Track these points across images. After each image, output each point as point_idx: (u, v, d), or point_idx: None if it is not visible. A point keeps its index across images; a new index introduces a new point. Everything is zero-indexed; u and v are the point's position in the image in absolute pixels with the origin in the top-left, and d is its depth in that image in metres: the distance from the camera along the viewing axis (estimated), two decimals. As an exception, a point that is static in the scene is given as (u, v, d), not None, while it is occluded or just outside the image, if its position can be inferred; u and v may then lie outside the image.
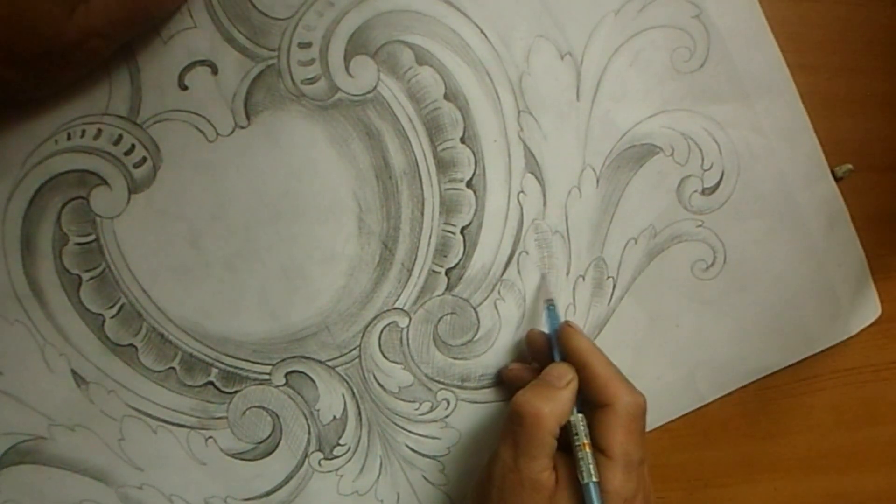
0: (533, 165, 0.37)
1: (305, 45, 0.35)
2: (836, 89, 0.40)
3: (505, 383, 0.38)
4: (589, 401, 0.33)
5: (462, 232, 0.37)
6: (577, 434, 0.32)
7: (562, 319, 0.37)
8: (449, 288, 0.37)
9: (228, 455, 0.37)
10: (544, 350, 0.36)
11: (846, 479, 0.43)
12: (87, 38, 0.29)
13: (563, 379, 0.33)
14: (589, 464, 0.31)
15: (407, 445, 0.38)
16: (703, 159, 0.38)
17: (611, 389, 0.33)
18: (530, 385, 0.33)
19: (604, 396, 0.33)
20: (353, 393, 0.38)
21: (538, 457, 0.31)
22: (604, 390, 0.33)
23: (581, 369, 0.34)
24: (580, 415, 0.33)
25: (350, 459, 0.38)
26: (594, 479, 0.31)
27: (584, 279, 0.38)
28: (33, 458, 0.36)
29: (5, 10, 0.28)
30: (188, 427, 0.37)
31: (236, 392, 0.37)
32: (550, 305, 0.37)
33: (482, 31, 0.36)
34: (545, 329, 0.37)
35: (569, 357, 0.34)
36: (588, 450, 0.32)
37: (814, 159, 0.39)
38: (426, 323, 0.38)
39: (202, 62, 0.34)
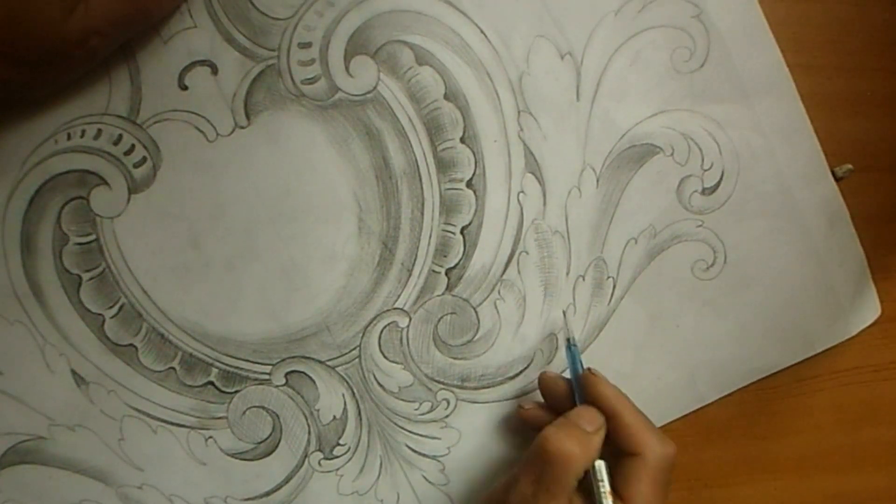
0: (533, 165, 0.37)
1: (305, 45, 0.35)
2: (836, 89, 0.40)
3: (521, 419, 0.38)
4: (615, 448, 0.33)
5: (462, 232, 0.37)
6: (601, 481, 0.32)
7: (582, 362, 0.37)
8: (449, 288, 0.37)
9: (228, 455, 0.37)
10: (562, 394, 0.36)
11: (846, 479, 0.43)
12: (87, 37, 0.29)
13: (594, 424, 0.33)
14: None
15: (407, 445, 0.38)
16: (703, 159, 0.38)
17: (641, 439, 0.33)
18: (560, 424, 0.33)
19: (633, 445, 0.33)
20: (353, 393, 0.38)
21: (559, 496, 0.31)
22: (634, 439, 0.33)
23: (609, 417, 0.33)
24: (602, 461, 0.33)
25: (350, 459, 0.38)
26: None
27: (584, 279, 0.38)
28: (33, 458, 0.36)
29: (5, 10, 0.28)
30: (188, 427, 0.37)
31: (236, 392, 0.37)
32: (573, 345, 0.37)
33: (482, 31, 0.36)
34: (565, 367, 0.36)
35: (595, 404, 0.34)
36: (610, 498, 0.32)
37: (814, 159, 0.39)
38: (426, 323, 0.38)
39: (202, 62, 0.34)
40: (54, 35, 0.29)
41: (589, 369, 0.35)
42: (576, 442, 0.32)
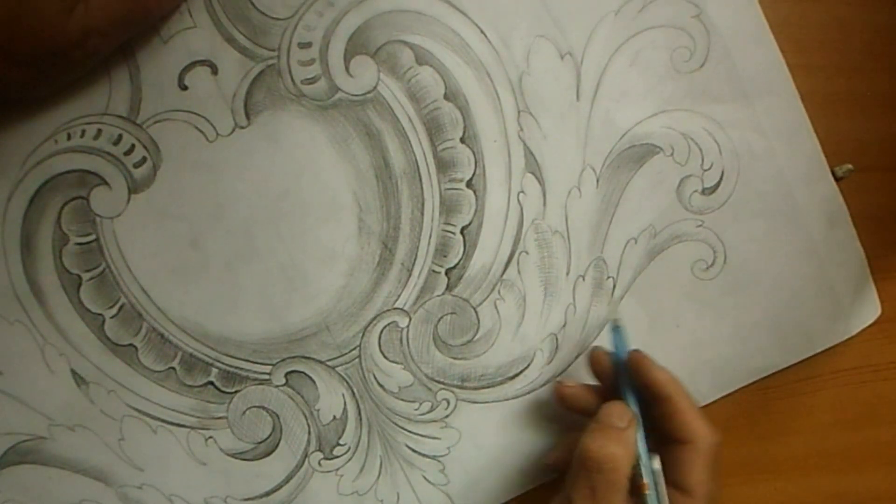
0: (533, 165, 0.37)
1: (305, 45, 0.35)
2: (836, 89, 0.40)
3: (556, 398, 0.37)
4: (665, 436, 0.33)
5: (462, 232, 0.37)
6: (658, 477, 0.32)
7: (627, 343, 0.36)
8: (449, 288, 0.37)
9: (228, 455, 0.37)
10: (608, 373, 0.35)
11: (846, 479, 0.43)
12: (87, 37, 0.29)
13: (625, 418, 0.32)
14: None
15: (407, 445, 0.38)
16: (703, 159, 0.38)
17: (693, 426, 0.32)
18: (595, 429, 0.32)
19: (685, 433, 0.32)
20: (353, 393, 0.38)
21: (616, 501, 0.31)
22: (686, 427, 0.32)
23: (662, 402, 0.33)
24: (657, 456, 0.32)
25: (350, 459, 0.38)
26: None
27: (584, 279, 0.38)
28: (33, 458, 0.36)
29: (5, 10, 0.28)
30: (188, 427, 0.37)
31: (236, 392, 0.37)
32: (617, 326, 0.36)
33: (482, 31, 0.36)
34: (610, 348, 0.36)
35: (647, 388, 0.34)
36: (652, 491, 0.32)
37: (814, 159, 0.39)
38: (426, 323, 0.38)
39: (202, 62, 0.34)
40: (54, 34, 0.29)
41: (638, 350, 0.35)
42: (616, 442, 0.31)
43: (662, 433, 0.33)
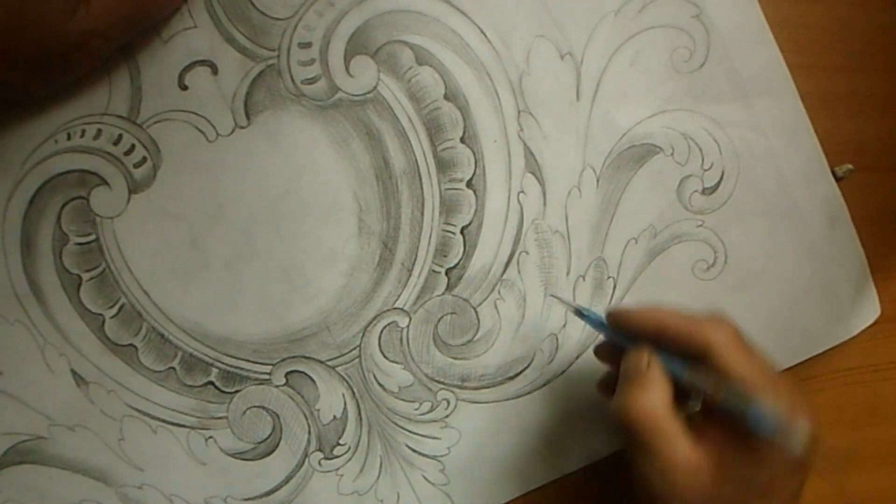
0: (533, 165, 0.37)
1: (305, 45, 0.35)
2: (836, 89, 0.40)
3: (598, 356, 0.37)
4: (689, 357, 0.31)
5: (462, 232, 0.37)
6: (706, 381, 0.30)
7: (599, 312, 0.35)
8: (449, 288, 0.37)
9: (228, 455, 0.37)
10: (619, 355, 0.34)
11: (846, 479, 0.43)
12: (89, 38, 0.30)
13: (642, 361, 0.31)
14: (735, 400, 0.29)
15: (407, 445, 0.38)
16: (703, 159, 0.38)
17: (698, 336, 0.30)
18: (620, 389, 0.31)
19: (696, 346, 0.30)
20: (353, 393, 0.38)
21: (679, 441, 0.29)
22: (692, 340, 0.30)
23: (660, 333, 0.31)
24: (687, 368, 0.31)
25: (350, 459, 0.38)
26: (752, 409, 0.28)
27: (584, 279, 0.38)
28: (33, 458, 0.36)
29: (6, 12, 0.28)
30: (188, 427, 0.37)
31: (236, 392, 0.37)
32: (578, 311, 0.35)
33: (482, 31, 0.36)
34: (595, 333, 0.36)
35: (640, 334, 0.32)
36: (696, 401, 0.30)
37: (814, 159, 0.39)
38: (426, 323, 0.38)
39: (202, 62, 0.34)
40: (55, 36, 0.29)
41: (608, 311, 0.34)
42: (641, 388, 0.30)
43: (688, 356, 0.31)
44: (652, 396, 0.30)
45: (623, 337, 0.33)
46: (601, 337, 0.38)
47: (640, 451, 0.30)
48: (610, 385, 0.35)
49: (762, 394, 0.29)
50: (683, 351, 0.31)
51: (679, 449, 0.30)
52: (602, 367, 0.37)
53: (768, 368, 0.31)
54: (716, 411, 0.30)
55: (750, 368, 0.30)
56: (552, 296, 0.38)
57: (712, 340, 0.30)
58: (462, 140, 0.37)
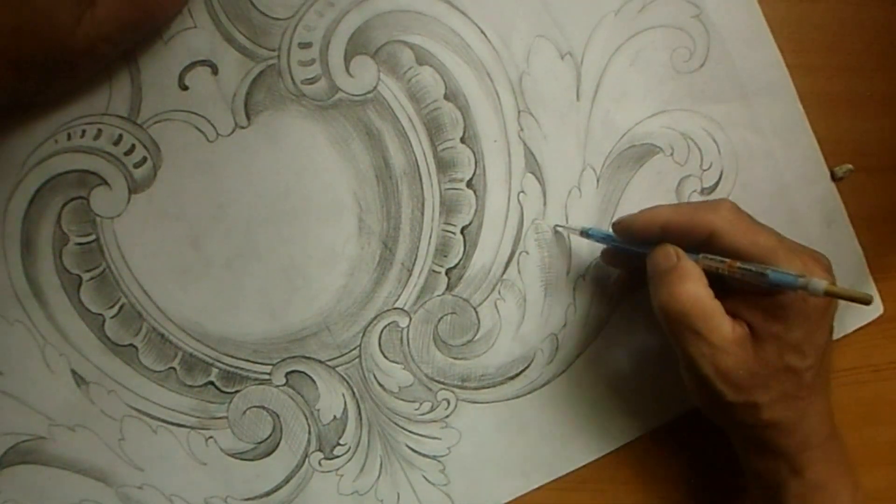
0: (533, 165, 0.37)
1: (306, 45, 0.35)
2: (836, 89, 0.40)
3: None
4: (697, 244, 0.32)
5: (462, 232, 0.37)
6: (720, 262, 0.31)
7: (605, 229, 0.36)
8: (449, 288, 0.37)
9: (229, 455, 0.37)
10: (624, 258, 0.36)
11: (846, 478, 0.43)
12: (95, 45, 0.30)
13: (671, 255, 0.32)
14: (755, 270, 0.30)
15: (407, 445, 0.38)
16: (702, 159, 0.38)
17: (701, 221, 0.32)
18: (658, 285, 0.32)
19: (701, 231, 0.32)
20: (354, 393, 0.38)
21: (724, 321, 0.31)
22: (696, 227, 0.32)
23: (666, 229, 0.33)
24: (706, 255, 0.32)
25: (350, 459, 0.38)
26: (770, 270, 0.30)
27: (584, 279, 0.38)
28: (33, 458, 0.36)
29: (16, 20, 0.28)
30: (188, 427, 0.37)
31: (236, 392, 0.37)
32: (588, 232, 0.36)
33: (482, 31, 0.36)
34: (604, 242, 0.36)
35: (647, 234, 0.33)
36: (738, 264, 0.31)
37: (811, 159, 0.39)
38: (426, 323, 0.38)
39: (202, 62, 0.34)
40: (64, 44, 0.29)
41: (613, 223, 0.35)
42: (685, 278, 0.31)
43: (700, 245, 0.32)
44: (693, 283, 0.31)
45: (633, 242, 0.34)
46: (597, 341, 0.38)
47: (691, 336, 0.31)
48: (624, 285, 0.38)
49: (773, 256, 0.31)
50: (690, 240, 0.32)
51: (724, 328, 0.31)
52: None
53: (773, 234, 0.33)
54: (736, 286, 0.32)
55: (756, 237, 0.32)
56: (556, 227, 0.38)
57: (714, 221, 0.32)
58: (462, 140, 0.37)
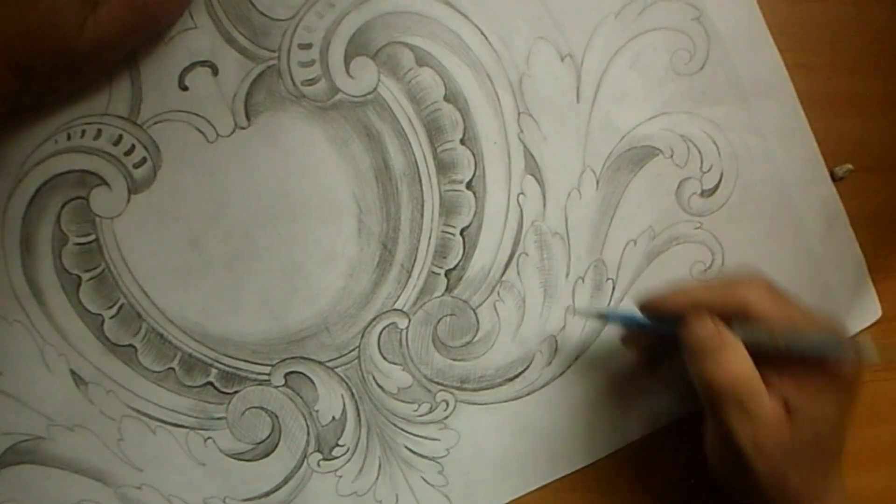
0: (533, 167, 0.37)
1: (306, 46, 0.35)
2: (836, 89, 0.40)
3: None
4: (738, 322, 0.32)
5: (462, 233, 0.37)
6: (761, 333, 0.31)
7: (627, 311, 0.36)
8: (448, 289, 0.38)
9: (227, 455, 0.37)
10: (648, 338, 0.36)
11: (846, 479, 0.43)
12: (99, 50, 0.30)
13: (711, 328, 0.31)
14: (794, 340, 0.30)
15: (406, 446, 0.38)
16: (702, 161, 0.38)
17: (733, 299, 0.32)
18: (700, 359, 0.31)
19: (734, 308, 0.31)
20: (353, 394, 0.38)
21: (766, 397, 0.31)
22: (728, 304, 0.32)
23: (695, 307, 0.32)
24: (742, 327, 0.31)
25: (349, 460, 0.38)
26: (812, 335, 0.30)
27: (583, 281, 0.38)
28: (32, 458, 0.36)
29: (21, 25, 0.28)
30: (187, 427, 0.37)
31: (235, 392, 0.37)
32: (607, 315, 0.37)
33: (482, 33, 0.36)
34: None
35: (676, 314, 0.33)
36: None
37: (811, 161, 0.39)
38: (425, 324, 0.38)
39: (202, 63, 0.34)
40: (68, 48, 0.29)
41: (641, 302, 0.34)
42: (728, 351, 0.31)
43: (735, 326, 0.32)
44: (738, 357, 0.31)
45: (660, 322, 0.34)
46: (596, 344, 0.38)
47: (735, 411, 0.31)
48: (646, 368, 0.37)
49: (813, 328, 0.31)
50: (721, 315, 0.32)
51: (766, 404, 0.31)
52: (598, 374, 0.37)
53: (806, 310, 0.32)
54: (769, 359, 0.31)
55: (792, 311, 0.32)
56: (575, 311, 0.38)
57: (748, 297, 0.31)
58: (462, 141, 0.37)
